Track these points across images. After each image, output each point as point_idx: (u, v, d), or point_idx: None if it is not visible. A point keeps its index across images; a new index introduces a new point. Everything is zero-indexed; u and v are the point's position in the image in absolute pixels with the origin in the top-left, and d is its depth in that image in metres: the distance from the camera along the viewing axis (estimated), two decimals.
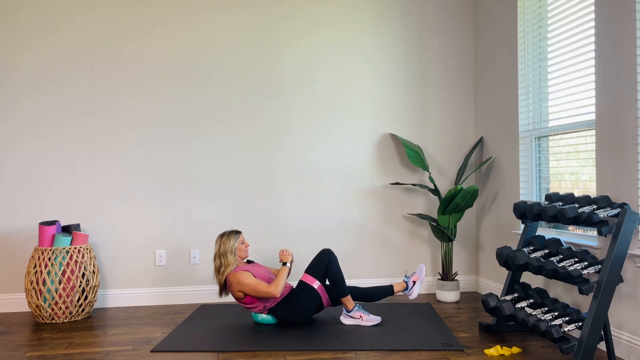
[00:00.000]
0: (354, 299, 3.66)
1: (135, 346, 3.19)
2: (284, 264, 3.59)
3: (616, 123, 2.97)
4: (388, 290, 3.70)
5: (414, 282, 3.72)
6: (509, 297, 3.34)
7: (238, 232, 3.66)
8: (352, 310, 3.56)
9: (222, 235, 3.64)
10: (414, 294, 3.71)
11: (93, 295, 3.92)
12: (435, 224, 4.31)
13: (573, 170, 3.50)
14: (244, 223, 4.39)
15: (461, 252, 4.68)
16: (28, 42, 4.15)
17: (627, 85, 2.89)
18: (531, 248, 3.36)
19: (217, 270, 3.59)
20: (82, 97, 4.22)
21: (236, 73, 4.40)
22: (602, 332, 2.81)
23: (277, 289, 3.46)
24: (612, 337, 3.00)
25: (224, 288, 3.61)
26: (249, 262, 3.77)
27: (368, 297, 3.69)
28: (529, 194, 3.94)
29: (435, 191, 4.39)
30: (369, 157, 4.56)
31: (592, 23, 3.22)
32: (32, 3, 4.16)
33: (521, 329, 3.41)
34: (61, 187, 4.18)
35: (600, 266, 2.85)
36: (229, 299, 4.27)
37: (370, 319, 3.54)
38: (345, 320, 3.58)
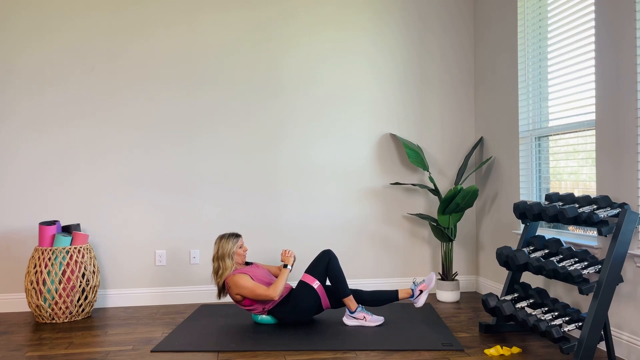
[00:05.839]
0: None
1: (135, 346, 3.19)
2: (285, 265, 3.58)
3: (616, 123, 2.97)
4: (393, 297, 3.63)
5: (421, 291, 3.60)
6: (509, 297, 3.34)
7: (237, 236, 3.65)
8: (355, 311, 3.55)
9: (221, 238, 3.63)
10: (420, 302, 3.58)
11: (93, 295, 3.92)
12: (435, 224, 4.31)
13: (573, 170, 3.50)
14: (244, 223, 4.39)
15: (461, 252, 4.68)
16: (28, 43, 4.15)
17: (627, 85, 2.89)
18: (531, 248, 3.36)
19: (215, 273, 3.59)
20: (83, 98, 4.22)
21: (236, 73, 4.40)
22: (602, 332, 2.81)
23: (276, 292, 3.44)
24: (612, 337, 3.00)
25: (223, 290, 3.61)
26: (247, 263, 3.76)
27: (371, 302, 3.65)
28: (529, 194, 3.94)
29: (435, 191, 4.39)
30: (369, 157, 4.56)
31: (592, 23, 3.22)
32: (32, 3, 4.16)
33: (521, 329, 3.41)
34: (61, 187, 4.18)
35: (600, 266, 2.85)
36: (229, 299, 4.27)
37: (373, 320, 3.53)
38: (348, 321, 3.56)
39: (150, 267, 4.28)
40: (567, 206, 2.96)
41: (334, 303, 3.64)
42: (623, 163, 2.93)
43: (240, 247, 3.63)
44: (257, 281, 3.52)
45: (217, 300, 4.29)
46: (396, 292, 3.64)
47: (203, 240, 4.35)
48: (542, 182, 3.83)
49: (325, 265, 3.56)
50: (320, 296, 3.54)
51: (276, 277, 3.74)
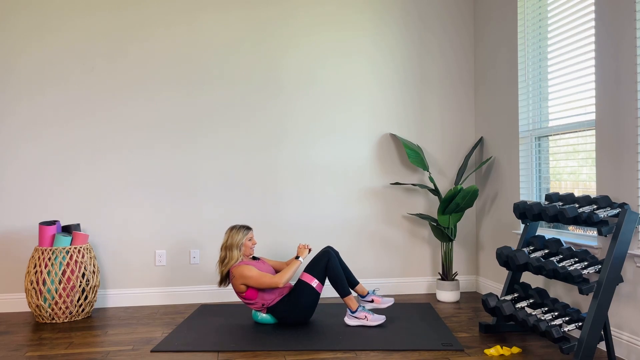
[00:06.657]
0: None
1: (135, 346, 3.19)
2: (297, 257, 3.62)
3: (616, 123, 2.97)
4: (353, 283, 3.72)
5: (372, 301, 3.70)
6: (509, 297, 3.34)
7: (248, 228, 3.69)
8: (356, 310, 3.55)
9: (231, 228, 3.67)
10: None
11: (93, 295, 3.92)
12: (435, 224, 4.31)
13: (573, 170, 3.50)
14: (244, 222, 4.39)
15: (461, 252, 4.68)
16: (28, 43, 4.15)
17: (627, 85, 2.89)
18: (531, 248, 3.36)
19: (221, 262, 3.63)
20: (83, 98, 4.22)
21: (236, 73, 4.40)
22: (602, 332, 2.81)
23: (281, 279, 3.48)
24: (612, 337, 3.00)
25: (225, 280, 3.65)
26: (254, 258, 3.78)
27: (341, 282, 3.53)
28: (529, 194, 3.94)
29: (435, 191, 4.39)
30: (369, 157, 4.56)
31: (592, 23, 3.22)
32: (32, 3, 4.16)
33: (521, 329, 3.41)
34: (61, 187, 4.18)
35: (600, 266, 2.86)
36: (229, 298, 4.28)
37: (375, 319, 3.53)
38: (349, 321, 3.56)
39: (150, 267, 4.28)
40: (567, 206, 2.96)
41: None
42: (623, 163, 2.93)
43: (250, 240, 3.67)
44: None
45: (217, 299, 4.30)
46: (356, 283, 3.73)
47: (203, 240, 4.35)
48: (542, 182, 3.83)
49: (325, 264, 3.56)
50: (319, 294, 3.56)
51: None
